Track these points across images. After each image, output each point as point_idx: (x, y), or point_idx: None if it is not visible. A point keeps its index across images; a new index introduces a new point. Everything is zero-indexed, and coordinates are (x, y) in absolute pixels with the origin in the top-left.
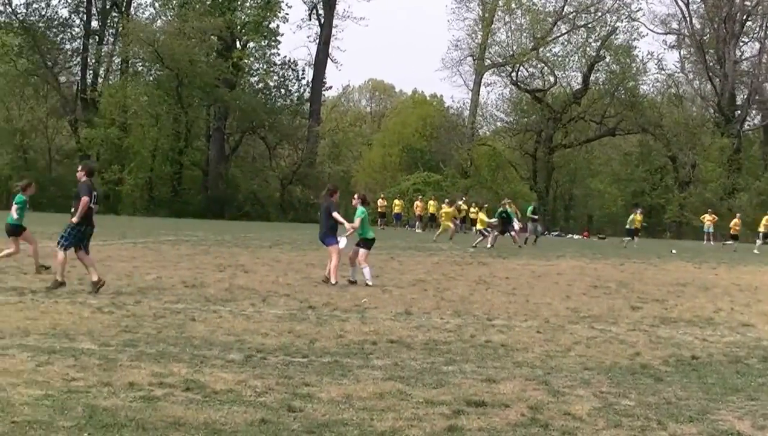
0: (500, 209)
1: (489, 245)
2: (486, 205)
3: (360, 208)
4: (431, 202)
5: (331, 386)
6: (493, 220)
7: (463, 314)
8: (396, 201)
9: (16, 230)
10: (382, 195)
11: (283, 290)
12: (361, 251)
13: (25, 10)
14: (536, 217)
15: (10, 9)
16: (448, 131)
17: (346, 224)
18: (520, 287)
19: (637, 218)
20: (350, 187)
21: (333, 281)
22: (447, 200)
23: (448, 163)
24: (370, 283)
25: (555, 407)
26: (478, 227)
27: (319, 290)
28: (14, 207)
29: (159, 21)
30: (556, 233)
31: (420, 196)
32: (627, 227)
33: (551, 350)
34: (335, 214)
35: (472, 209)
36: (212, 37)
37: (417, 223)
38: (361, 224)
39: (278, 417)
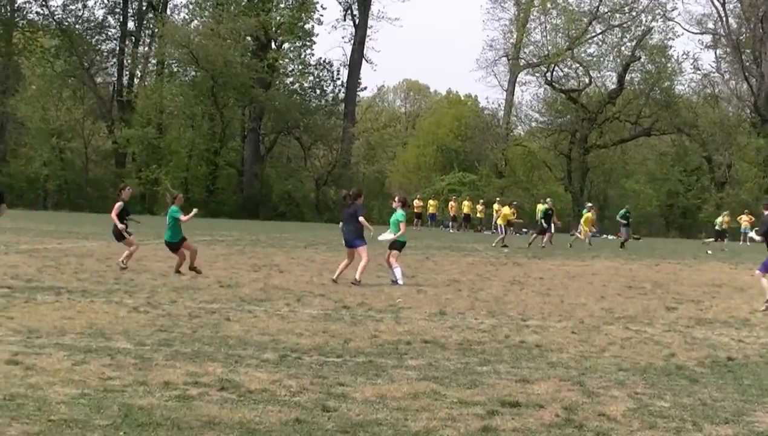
0: (545, 207)
1: (542, 245)
2: (515, 203)
3: (400, 212)
4: (466, 202)
5: (366, 386)
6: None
7: (497, 314)
8: (431, 201)
9: (177, 246)
10: (417, 195)
11: (318, 290)
12: (393, 251)
13: (62, 12)
14: (626, 221)
15: (47, 11)
16: (483, 131)
17: (371, 227)
18: (554, 288)
19: (725, 219)
20: (385, 187)
21: (358, 277)
22: (499, 200)
23: (482, 163)
24: (400, 282)
25: (589, 408)
26: (499, 221)
27: (353, 290)
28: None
29: (194, 22)
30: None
31: (455, 197)
32: (717, 228)
33: (586, 351)
34: (362, 219)
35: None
36: (247, 38)
37: (451, 223)
38: (394, 226)
39: (312, 417)
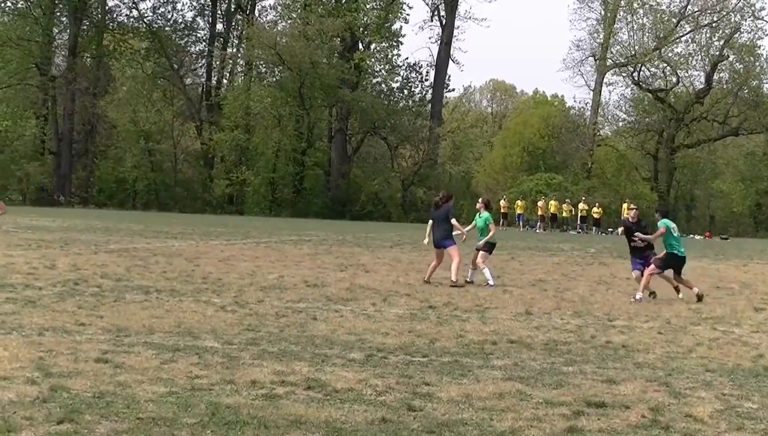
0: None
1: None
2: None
3: (486, 214)
4: (552, 202)
5: (451, 385)
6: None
7: (583, 314)
8: (518, 202)
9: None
10: (504, 196)
11: (404, 289)
12: (481, 252)
13: (151, 14)
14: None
15: (137, 13)
16: (570, 132)
17: (462, 230)
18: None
19: None
20: (470, 188)
21: (454, 278)
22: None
23: (569, 163)
24: (491, 282)
25: (676, 409)
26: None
27: (439, 290)
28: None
29: (281, 23)
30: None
31: (543, 197)
32: None
33: (672, 352)
34: (454, 221)
35: (582, 206)
36: (334, 39)
37: (539, 223)
38: (482, 230)
39: (398, 416)
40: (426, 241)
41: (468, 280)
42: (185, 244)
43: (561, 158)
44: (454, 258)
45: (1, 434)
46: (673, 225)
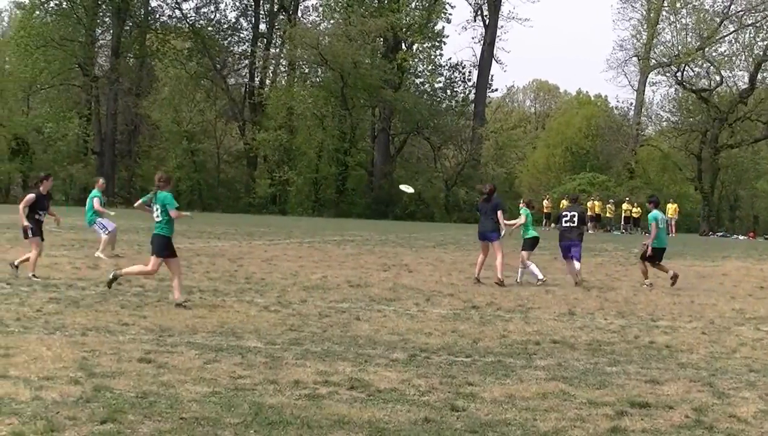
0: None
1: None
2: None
3: (524, 209)
4: (596, 202)
5: (494, 385)
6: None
7: (627, 314)
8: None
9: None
10: (547, 196)
11: (447, 289)
12: (523, 252)
13: (194, 15)
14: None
15: (180, 13)
16: (613, 132)
17: (507, 222)
18: (684, 288)
19: None
20: (513, 188)
21: (500, 275)
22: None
23: (612, 163)
24: (540, 276)
25: (720, 409)
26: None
27: (482, 290)
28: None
29: (324, 23)
30: (721, 234)
31: (593, 198)
32: None
33: (716, 352)
34: (500, 214)
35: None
36: (377, 39)
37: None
38: (525, 224)
39: (441, 416)
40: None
41: (518, 281)
42: (228, 244)
43: (604, 158)
44: (497, 255)
45: (44, 434)
46: (662, 217)
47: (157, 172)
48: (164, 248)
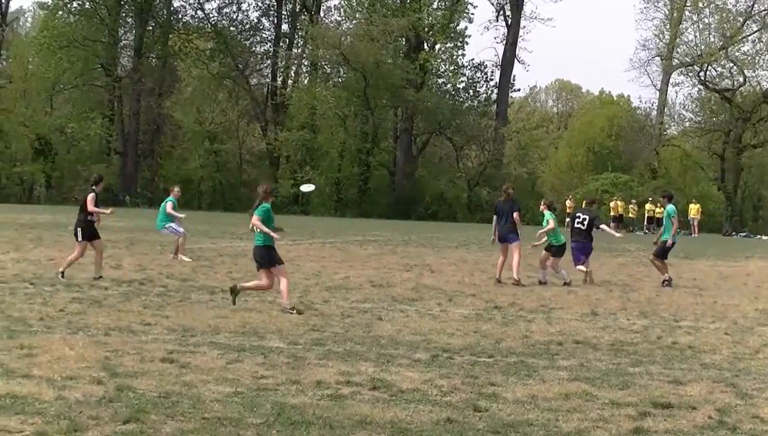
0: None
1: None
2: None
3: (548, 212)
4: (619, 202)
5: (517, 386)
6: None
7: (649, 315)
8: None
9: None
10: (569, 196)
11: (469, 289)
12: (552, 259)
13: (216, 15)
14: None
15: (202, 14)
16: (636, 132)
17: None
18: (707, 289)
19: None
20: (536, 188)
21: (517, 277)
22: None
23: (635, 163)
24: (567, 280)
25: (743, 410)
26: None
27: (504, 290)
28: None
29: (346, 24)
30: (744, 234)
31: (618, 198)
32: None
33: (739, 352)
34: (516, 216)
35: (648, 206)
36: (399, 39)
37: (611, 223)
38: (554, 230)
39: (464, 417)
40: (493, 239)
41: (541, 281)
42: (250, 244)
43: (626, 158)
44: (515, 256)
45: (68, 434)
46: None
47: (260, 183)
48: (267, 257)
